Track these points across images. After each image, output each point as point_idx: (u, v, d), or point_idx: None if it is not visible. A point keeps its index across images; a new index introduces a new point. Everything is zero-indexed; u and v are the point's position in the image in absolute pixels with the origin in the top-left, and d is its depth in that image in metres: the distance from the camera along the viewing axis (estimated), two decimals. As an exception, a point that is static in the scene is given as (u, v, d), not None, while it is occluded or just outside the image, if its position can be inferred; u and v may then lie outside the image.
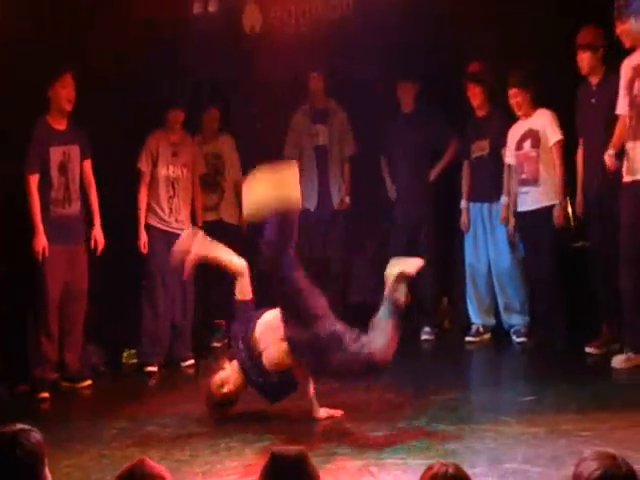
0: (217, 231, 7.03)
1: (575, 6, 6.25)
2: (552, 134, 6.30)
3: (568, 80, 6.19)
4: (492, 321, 6.89)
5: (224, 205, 7.20)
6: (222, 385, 5.00)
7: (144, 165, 6.69)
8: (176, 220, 6.70)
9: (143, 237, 6.63)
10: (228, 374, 5.01)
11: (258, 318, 4.99)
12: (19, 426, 2.45)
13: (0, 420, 5.23)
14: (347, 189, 7.19)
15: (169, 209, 6.71)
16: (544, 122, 6.32)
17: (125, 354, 6.88)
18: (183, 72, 7.16)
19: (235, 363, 5.00)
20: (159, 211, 6.70)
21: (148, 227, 6.70)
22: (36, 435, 2.45)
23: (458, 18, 6.83)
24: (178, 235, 6.54)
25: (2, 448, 2.39)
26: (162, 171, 6.71)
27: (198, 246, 5.12)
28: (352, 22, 7.30)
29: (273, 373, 4.92)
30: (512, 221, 6.57)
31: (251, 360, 4.92)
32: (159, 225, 6.69)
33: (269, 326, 4.95)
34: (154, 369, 6.58)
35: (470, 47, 6.83)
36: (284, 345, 4.87)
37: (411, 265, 5.05)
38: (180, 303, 6.74)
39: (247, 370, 4.95)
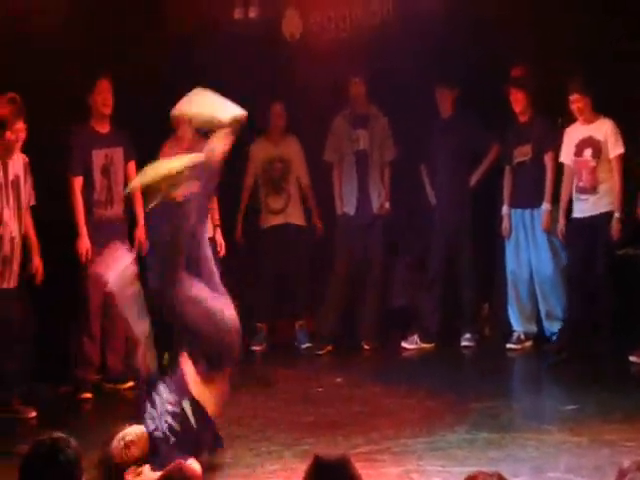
0: (284, 234, 7.11)
1: (620, 8, 6.18)
2: (614, 147, 6.25)
3: (612, 84, 6.13)
4: (534, 328, 6.83)
5: (291, 208, 7.25)
6: (128, 448, 4.18)
7: None
8: None
9: None
10: (134, 438, 4.20)
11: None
12: (56, 434, 2.49)
13: (43, 420, 5.37)
14: (387, 194, 7.19)
15: None
16: (607, 133, 6.28)
17: (166, 356, 6.91)
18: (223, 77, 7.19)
19: (142, 429, 4.24)
20: None
21: None
22: (74, 442, 2.49)
23: (498, 22, 6.79)
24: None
25: (44, 455, 2.43)
26: None
27: (119, 286, 4.65)
28: (392, 27, 7.29)
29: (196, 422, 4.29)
30: (561, 227, 6.50)
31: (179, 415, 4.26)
32: None
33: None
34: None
35: (510, 51, 6.78)
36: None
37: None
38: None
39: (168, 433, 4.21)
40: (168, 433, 4.19)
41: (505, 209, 6.85)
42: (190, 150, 6.72)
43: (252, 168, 7.28)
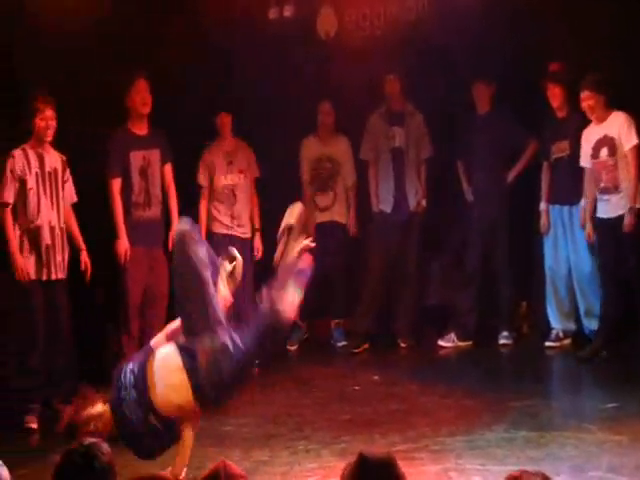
0: (329, 231, 7.10)
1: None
2: (627, 139, 6.15)
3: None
4: (573, 326, 6.76)
5: (337, 207, 7.28)
6: (88, 422, 3.97)
7: (202, 180, 6.85)
8: (238, 225, 6.85)
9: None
10: (100, 412, 4.00)
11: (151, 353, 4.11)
12: (88, 440, 2.50)
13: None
14: (423, 192, 7.15)
15: (230, 215, 6.84)
16: (619, 127, 6.18)
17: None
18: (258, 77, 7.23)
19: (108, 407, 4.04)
20: (221, 218, 6.83)
21: (211, 234, 6.77)
22: (105, 446, 2.50)
23: (535, 17, 6.74)
24: (240, 239, 6.72)
25: (81, 461, 2.43)
26: (220, 182, 6.84)
27: None
28: (427, 23, 7.25)
29: (158, 416, 3.98)
30: (589, 226, 6.44)
31: (139, 397, 3.98)
32: (222, 230, 6.82)
33: (165, 361, 4.05)
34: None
35: (547, 46, 6.72)
36: (180, 378, 3.98)
37: (292, 213, 4.41)
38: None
39: (126, 412, 3.99)
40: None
41: (543, 205, 6.79)
42: (231, 154, 6.85)
43: (305, 164, 7.30)
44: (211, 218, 6.83)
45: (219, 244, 6.70)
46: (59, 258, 5.67)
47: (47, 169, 5.69)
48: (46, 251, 5.62)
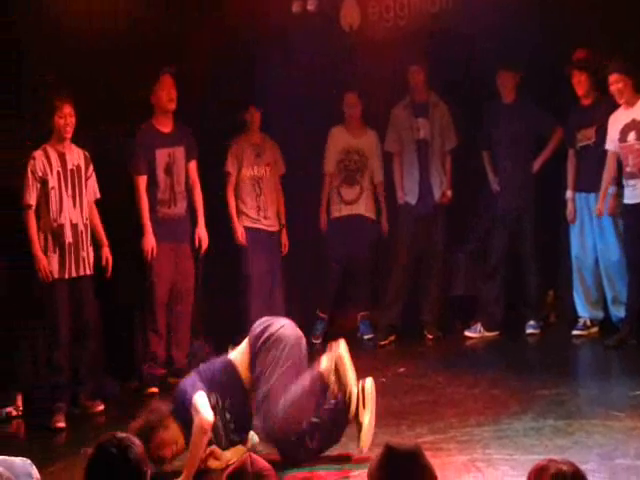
0: (354, 224, 7.12)
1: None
2: None
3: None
4: (600, 314, 6.71)
5: (363, 200, 7.24)
6: (162, 447, 4.33)
7: (230, 167, 6.85)
8: (265, 217, 6.86)
9: (240, 229, 6.75)
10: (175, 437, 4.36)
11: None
12: (119, 434, 2.49)
13: (111, 415, 5.47)
14: (449, 182, 7.13)
15: (257, 207, 6.85)
16: None
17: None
18: (282, 71, 7.24)
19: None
20: (247, 211, 6.84)
21: None
22: (137, 440, 2.50)
23: (560, 4, 6.69)
24: (268, 232, 6.75)
25: (115, 451, 2.43)
26: (248, 172, 6.85)
27: None
28: (451, 14, 7.22)
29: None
30: (601, 202, 6.36)
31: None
32: (249, 224, 6.83)
33: None
34: None
35: (573, 34, 6.67)
36: None
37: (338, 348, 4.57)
38: (272, 297, 6.84)
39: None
40: None
41: (569, 193, 6.74)
42: (259, 146, 6.89)
43: (331, 155, 7.26)
44: (238, 212, 6.86)
45: (247, 237, 6.79)
46: (83, 255, 5.72)
47: (69, 167, 5.74)
48: (69, 249, 5.66)
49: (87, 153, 5.85)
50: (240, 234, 6.78)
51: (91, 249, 5.79)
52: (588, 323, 6.70)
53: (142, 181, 6.26)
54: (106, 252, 5.86)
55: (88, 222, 5.79)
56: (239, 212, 6.85)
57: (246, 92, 7.02)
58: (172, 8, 6.86)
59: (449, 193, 7.11)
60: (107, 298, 6.20)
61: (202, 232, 6.44)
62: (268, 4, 7.28)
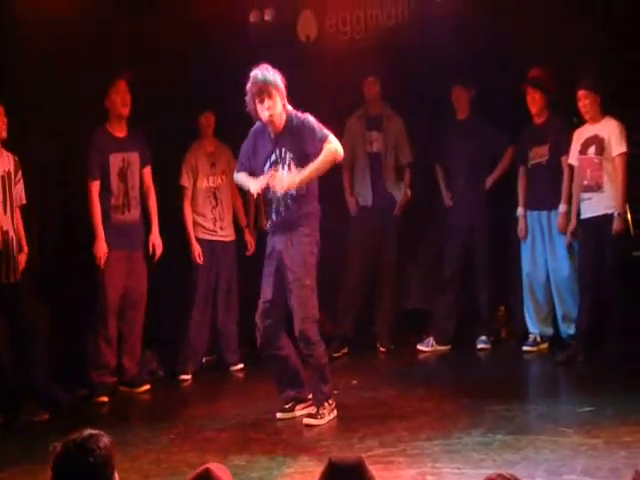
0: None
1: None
2: (617, 145, 6.21)
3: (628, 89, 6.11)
4: (550, 330, 6.79)
5: None
6: None
7: (186, 181, 6.78)
8: (221, 228, 6.81)
9: (197, 249, 6.71)
10: None
11: None
12: (88, 431, 2.46)
13: (58, 424, 5.38)
14: (408, 185, 7.09)
15: (213, 218, 6.79)
16: (610, 130, 6.24)
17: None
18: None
19: None
20: (204, 222, 6.78)
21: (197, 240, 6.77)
22: (105, 439, 2.46)
23: (515, 24, 6.77)
24: (223, 243, 6.72)
25: (74, 456, 2.40)
26: (203, 183, 6.79)
27: None
28: (407, 29, 7.28)
29: None
30: (571, 226, 6.49)
31: None
32: (205, 236, 6.77)
33: None
34: (187, 377, 6.62)
35: (525, 52, 6.75)
36: None
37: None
38: (226, 309, 6.80)
39: None
40: None
41: (520, 210, 6.82)
42: (213, 155, 6.85)
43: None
44: (194, 223, 6.78)
45: (203, 250, 6.73)
46: (13, 263, 5.61)
47: (0, 173, 5.63)
48: None
49: (16, 157, 5.73)
50: (197, 254, 6.70)
51: (22, 256, 5.68)
52: (538, 339, 6.77)
53: (95, 186, 6.18)
54: (23, 258, 5.72)
55: (16, 228, 5.67)
56: (195, 224, 6.77)
57: (202, 97, 6.98)
58: (130, 13, 6.81)
59: (408, 192, 7.08)
60: (58, 304, 6.11)
61: (156, 239, 6.38)
62: (226, 13, 7.26)
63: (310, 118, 5.24)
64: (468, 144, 6.94)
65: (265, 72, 5.25)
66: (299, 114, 5.30)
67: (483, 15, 6.89)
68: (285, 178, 5.15)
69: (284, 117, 5.29)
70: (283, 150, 5.27)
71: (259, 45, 7.35)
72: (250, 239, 6.95)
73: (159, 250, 6.38)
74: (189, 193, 6.79)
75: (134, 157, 6.32)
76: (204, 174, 6.80)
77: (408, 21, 7.31)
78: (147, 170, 6.40)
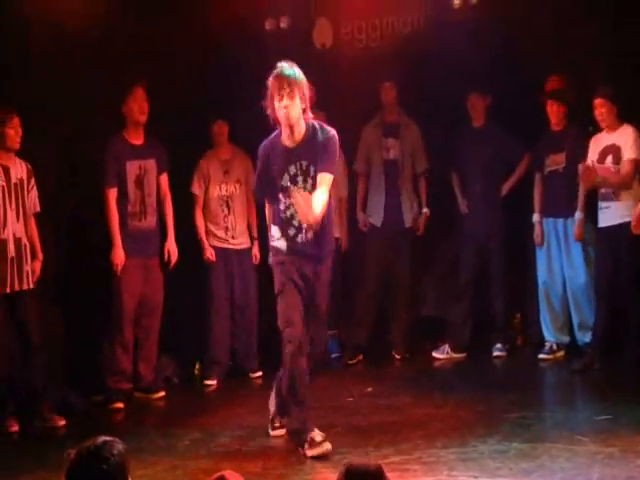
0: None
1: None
2: (629, 149, 6.20)
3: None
4: (566, 338, 6.77)
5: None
6: None
7: (197, 189, 6.78)
8: (233, 237, 6.79)
9: (208, 249, 6.70)
10: None
11: None
12: (102, 438, 2.45)
13: (74, 430, 5.39)
14: (425, 201, 7.11)
15: (225, 227, 6.78)
16: (626, 137, 6.23)
17: (197, 366, 6.95)
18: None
19: None
20: (216, 230, 6.77)
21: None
22: (119, 446, 2.45)
23: (530, 31, 6.76)
24: (236, 251, 6.71)
25: (88, 463, 2.39)
26: (215, 192, 6.78)
27: None
28: (424, 36, 7.28)
29: None
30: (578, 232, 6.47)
31: None
32: (218, 244, 6.77)
33: None
34: (213, 382, 6.64)
35: (541, 60, 6.75)
36: None
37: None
38: (243, 316, 6.80)
39: None
40: None
41: (536, 217, 6.80)
42: (227, 163, 6.85)
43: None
44: (206, 231, 6.80)
45: (217, 258, 6.74)
46: (26, 269, 5.63)
47: (13, 181, 5.65)
48: (10, 263, 5.56)
49: (29, 165, 5.77)
50: (209, 253, 6.73)
51: (36, 263, 5.71)
52: (554, 347, 6.75)
53: (112, 193, 6.21)
54: (38, 265, 5.74)
55: (29, 235, 5.70)
56: (207, 232, 6.77)
57: (217, 104, 7.00)
58: (147, 25, 6.83)
59: (426, 210, 7.10)
60: (75, 311, 6.12)
61: (172, 246, 6.40)
62: (242, 21, 7.29)
63: (336, 139, 4.74)
64: (484, 151, 6.93)
65: (290, 68, 4.76)
66: (325, 126, 4.79)
67: (498, 21, 6.88)
68: (313, 206, 4.57)
69: (303, 126, 4.76)
70: (304, 163, 4.74)
71: (275, 53, 7.36)
72: (257, 252, 6.80)
73: (174, 257, 6.40)
74: (200, 201, 6.79)
75: (151, 164, 6.35)
76: (216, 182, 6.80)
77: (424, 28, 7.31)
78: (164, 177, 6.42)
